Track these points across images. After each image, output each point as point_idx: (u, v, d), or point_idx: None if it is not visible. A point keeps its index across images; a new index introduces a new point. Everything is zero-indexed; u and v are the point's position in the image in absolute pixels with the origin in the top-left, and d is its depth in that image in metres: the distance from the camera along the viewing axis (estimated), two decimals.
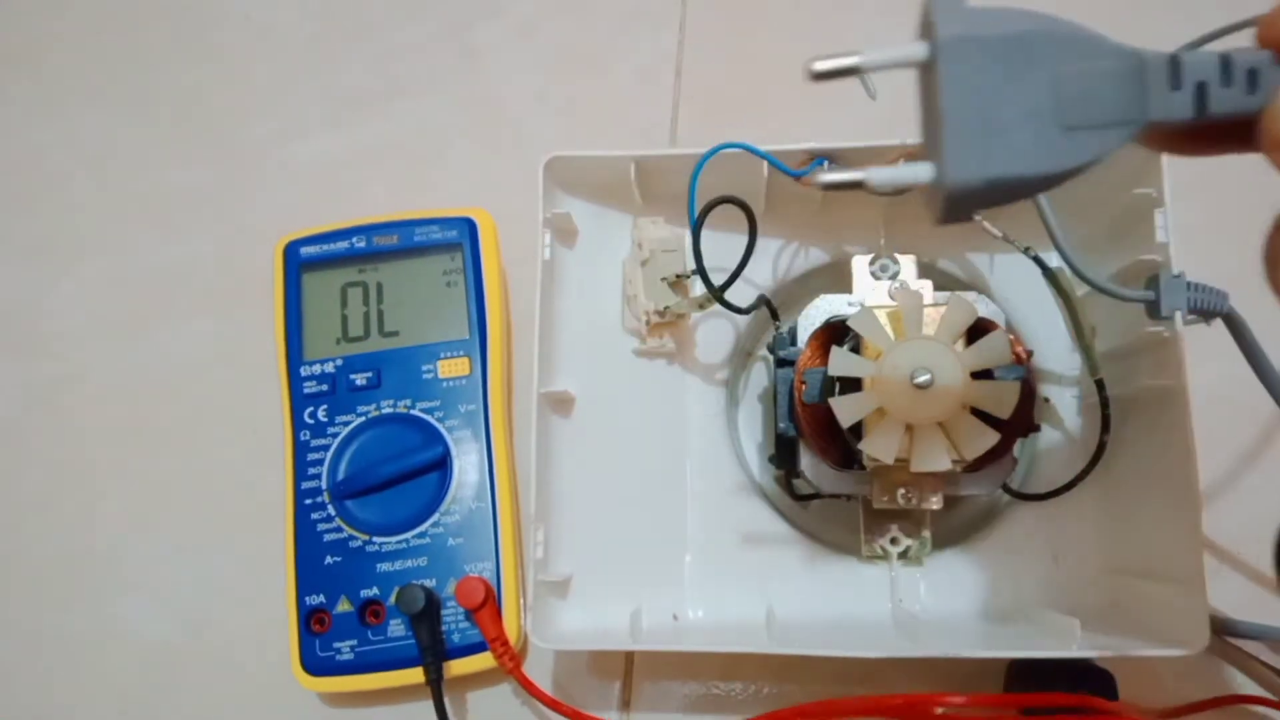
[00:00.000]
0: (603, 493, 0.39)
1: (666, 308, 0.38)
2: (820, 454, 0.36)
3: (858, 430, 0.34)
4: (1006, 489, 0.38)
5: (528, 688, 0.37)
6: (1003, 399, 0.32)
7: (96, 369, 0.47)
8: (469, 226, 0.43)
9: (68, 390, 0.47)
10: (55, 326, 0.48)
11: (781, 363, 0.37)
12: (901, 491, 0.35)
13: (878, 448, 0.33)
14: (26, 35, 0.53)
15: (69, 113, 0.51)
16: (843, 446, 0.36)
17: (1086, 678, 0.35)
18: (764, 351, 0.41)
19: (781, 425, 0.37)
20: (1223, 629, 0.38)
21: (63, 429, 0.46)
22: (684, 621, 0.38)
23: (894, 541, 0.38)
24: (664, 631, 0.37)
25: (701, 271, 0.35)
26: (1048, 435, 0.39)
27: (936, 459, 0.33)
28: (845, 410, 0.33)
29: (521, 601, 0.39)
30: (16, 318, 0.48)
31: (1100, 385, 0.37)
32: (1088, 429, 0.39)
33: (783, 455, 0.38)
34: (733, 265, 0.35)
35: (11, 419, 0.46)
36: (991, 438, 0.32)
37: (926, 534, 0.38)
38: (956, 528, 0.40)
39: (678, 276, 0.38)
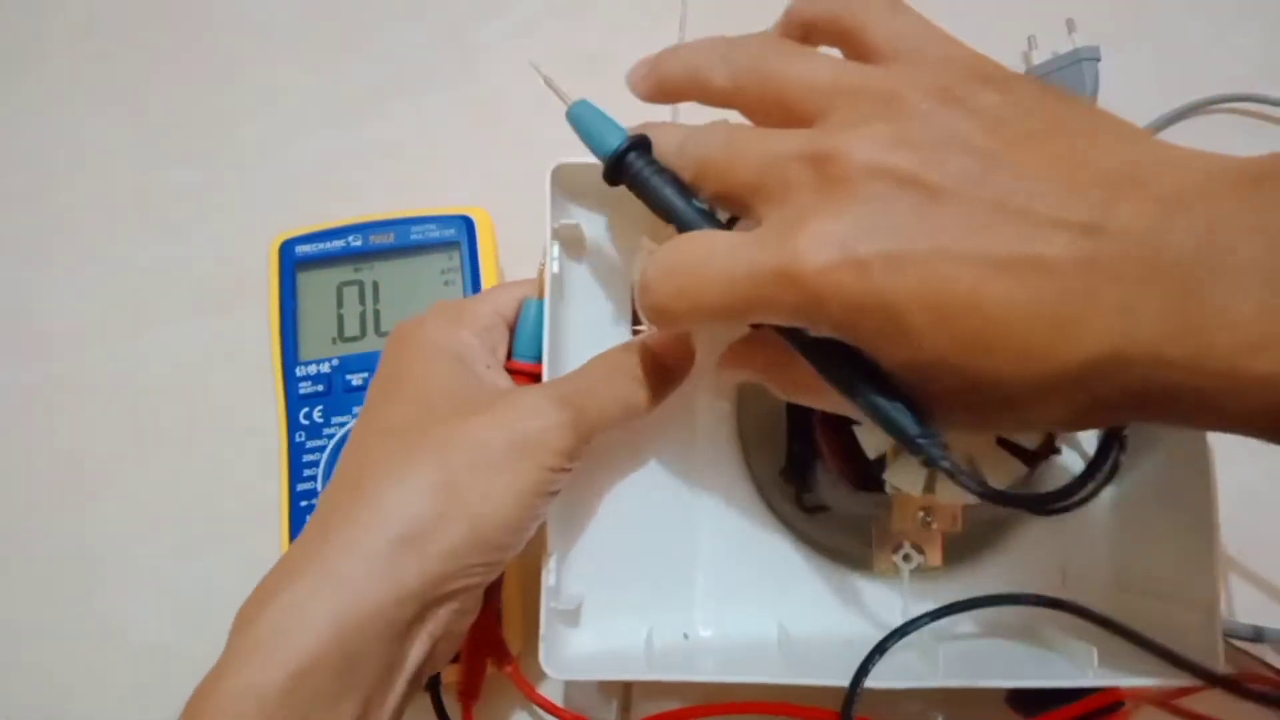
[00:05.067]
0: (611, 511, 0.37)
1: None
2: (838, 475, 0.35)
3: (880, 460, 0.33)
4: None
5: (526, 692, 0.37)
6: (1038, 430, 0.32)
7: (93, 369, 0.46)
8: (467, 225, 0.42)
9: (64, 390, 0.46)
10: (52, 326, 0.47)
11: None
12: (921, 515, 0.35)
13: (904, 479, 0.32)
14: (25, 34, 0.52)
15: (66, 112, 0.51)
16: (862, 469, 0.35)
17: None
18: None
19: (796, 445, 0.36)
20: (1224, 632, 0.37)
21: (59, 429, 0.45)
22: (694, 640, 0.37)
23: (906, 558, 0.37)
24: (676, 653, 0.36)
25: None
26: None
27: (963, 491, 0.32)
28: (871, 440, 0.32)
29: (521, 606, 0.39)
30: (13, 317, 0.47)
31: None
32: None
33: (795, 472, 0.37)
34: None
35: (9, 419, 0.46)
36: (1019, 469, 0.31)
37: (939, 550, 0.37)
38: (967, 543, 0.39)
39: None
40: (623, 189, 0.30)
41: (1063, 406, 0.23)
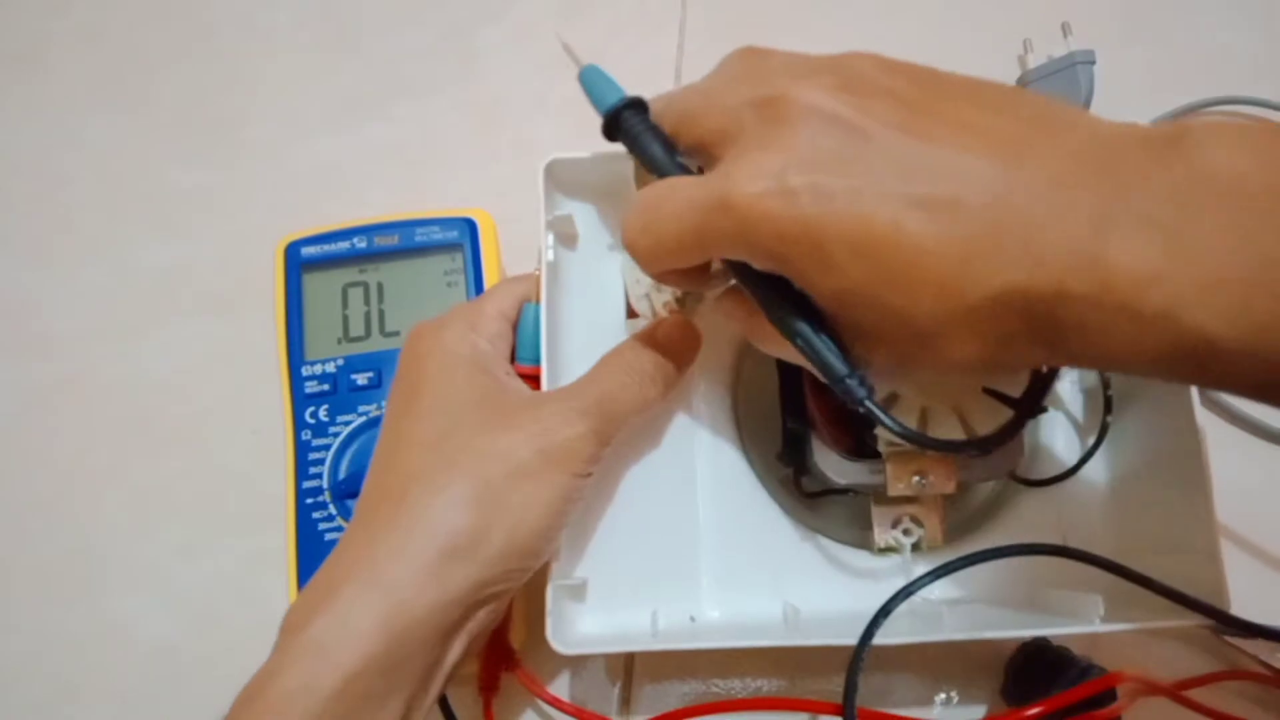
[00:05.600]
0: (614, 500, 0.38)
1: (686, 294, 0.37)
2: (833, 444, 0.36)
3: (869, 419, 0.34)
4: (1013, 476, 0.38)
5: (529, 686, 0.37)
6: (1018, 377, 0.33)
7: (98, 369, 0.46)
8: (469, 227, 0.42)
9: (68, 390, 0.46)
10: (56, 326, 0.47)
11: None
12: (916, 478, 0.35)
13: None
14: (28, 35, 0.52)
15: (71, 113, 0.51)
16: (856, 435, 0.36)
17: (1085, 678, 0.35)
18: None
19: (790, 421, 0.37)
20: (1220, 628, 0.37)
21: (63, 429, 0.45)
22: (701, 622, 0.37)
23: (906, 533, 0.37)
24: (682, 632, 0.37)
25: None
26: (1048, 420, 0.39)
27: (953, 439, 0.33)
28: None
29: (523, 601, 0.39)
30: (17, 318, 0.47)
31: None
32: (1089, 411, 0.38)
33: (792, 451, 0.37)
34: None
35: (12, 419, 0.46)
36: (1004, 415, 0.32)
37: (938, 523, 0.37)
38: (966, 517, 0.39)
39: None
40: (612, 181, 0.32)
41: (975, 342, 0.25)
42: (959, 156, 0.24)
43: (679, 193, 0.27)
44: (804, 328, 0.27)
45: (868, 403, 0.27)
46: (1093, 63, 0.43)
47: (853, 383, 0.27)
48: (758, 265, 0.27)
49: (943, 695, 0.38)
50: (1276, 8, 0.47)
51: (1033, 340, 0.24)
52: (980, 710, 0.38)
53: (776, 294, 0.28)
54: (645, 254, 0.29)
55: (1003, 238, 0.23)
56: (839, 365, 0.27)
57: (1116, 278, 0.21)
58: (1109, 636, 0.35)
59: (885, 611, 0.33)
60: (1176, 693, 0.34)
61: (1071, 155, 0.23)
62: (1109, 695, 0.35)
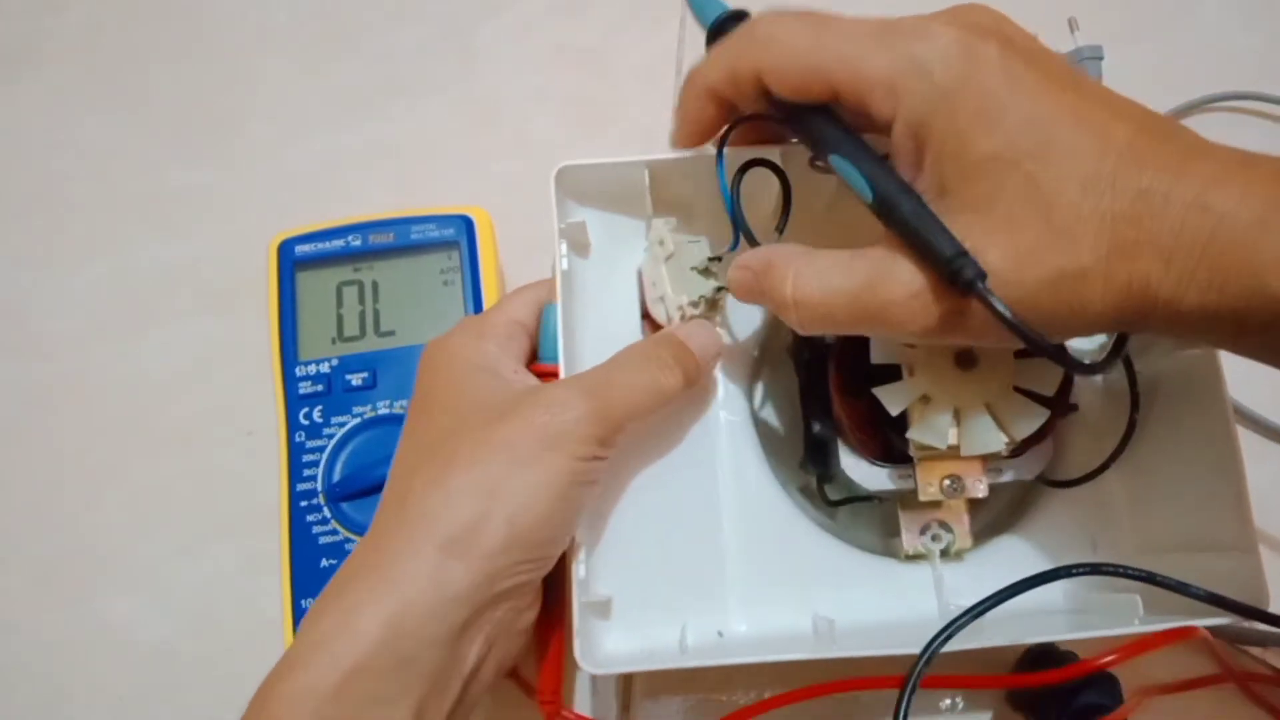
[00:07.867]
0: (637, 515, 0.37)
1: (701, 298, 0.36)
2: (861, 448, 0.35)
3: (900, 423, 0.33)
4: (1041, 478, 0.36)
5: (527, 691, 0.36)
6: (1048, 375, 0.32)
7: (94, 369, 0.45)
8: (466, 225, 0.41)
9: (65, 390, 0.45)
10: (53, 326, 0.46)
11: (810, 362, 0.36)
12: (946, 481, 0.34)
13: (928, 434, 0.32)
14: (26, 35, 0.52)
15: (68, 113, 0.50)
16: (884, 439, 0.35)
17: (1089, 683, 0.34)
18: (786, 356, 0.39)
19: (816, 426, 0.36)
20: (1227, 635, 0.37)
21: (60, 429, 0.45)
22: (729, 637, 0.36)
23: (935, 539, 0.36)
24: (710, 649, 0.35)
25: (747, 233, 0.34)
26: (1071, 420, 0.38)
27: (988, 440, 0.32)
28: (892, 398, 0.32)
29: None
30: (14, 317, 0.47)
31: (1128, 363, 0.36)
32: (1113, 410, 0.37)
33: (816, 458, 0.36)
34: None
35: (9, 419, 0.45)
36: (1040, 415, 0.32)
37: (967, 528, 0.36)
38: (992, 519, 0.38)
39: (710, 260, 0.36)
40: (623, 187, 0.31)
41: (1098, 247, 0.25)
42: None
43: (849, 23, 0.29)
44: (916, 199, 0.27)
45: (980, 285, 0.25)
46: (1100, 58, 0.42)
47: (964, 262, 0.25)
48: (918, 105, 0.27)
49: (947, 701, 0.37)
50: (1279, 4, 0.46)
51: (1140, 254, 0.25)
52: (985, 716, 0.37)
53: (885, 167, 0.27)
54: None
55: (1149, 157, 0.25)
56: (949, 241, 0.26)
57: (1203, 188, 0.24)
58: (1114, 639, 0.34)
59: (954, 626, 0.31)
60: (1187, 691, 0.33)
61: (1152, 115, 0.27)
62: (1116, 697, 0.34)
